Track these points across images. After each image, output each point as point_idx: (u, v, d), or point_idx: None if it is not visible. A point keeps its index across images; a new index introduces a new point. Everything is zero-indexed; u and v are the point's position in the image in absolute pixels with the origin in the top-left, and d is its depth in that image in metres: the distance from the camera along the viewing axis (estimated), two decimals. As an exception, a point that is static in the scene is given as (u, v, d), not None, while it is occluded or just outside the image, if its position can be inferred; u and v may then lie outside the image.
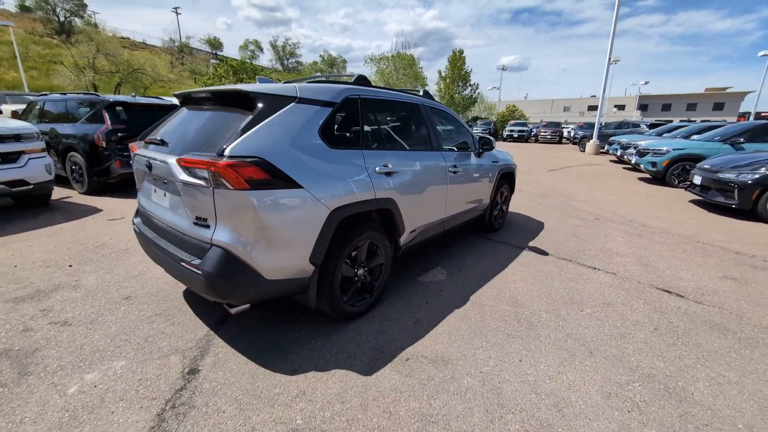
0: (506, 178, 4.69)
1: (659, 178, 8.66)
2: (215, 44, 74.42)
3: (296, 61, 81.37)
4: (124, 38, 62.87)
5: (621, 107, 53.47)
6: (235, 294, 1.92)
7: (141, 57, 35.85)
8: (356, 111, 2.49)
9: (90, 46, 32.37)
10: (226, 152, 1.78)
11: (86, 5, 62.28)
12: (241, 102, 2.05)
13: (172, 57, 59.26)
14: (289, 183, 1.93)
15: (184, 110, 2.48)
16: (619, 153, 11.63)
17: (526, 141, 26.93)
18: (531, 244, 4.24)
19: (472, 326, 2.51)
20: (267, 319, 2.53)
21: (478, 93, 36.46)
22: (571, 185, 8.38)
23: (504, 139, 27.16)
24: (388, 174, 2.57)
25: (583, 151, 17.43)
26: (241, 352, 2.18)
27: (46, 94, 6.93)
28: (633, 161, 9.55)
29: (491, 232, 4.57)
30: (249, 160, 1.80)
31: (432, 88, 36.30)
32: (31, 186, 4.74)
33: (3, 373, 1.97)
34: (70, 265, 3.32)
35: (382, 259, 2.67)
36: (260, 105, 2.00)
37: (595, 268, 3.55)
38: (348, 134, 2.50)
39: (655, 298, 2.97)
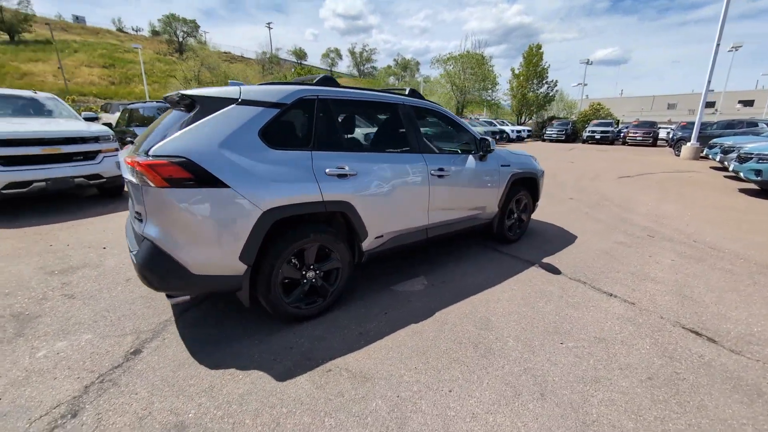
0: (524, 185, 4.20)
1: (767, 189, 6.92)
2: (300, 54, 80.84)
3: (372, 67, 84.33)
4: (225, 53, 71.96)
5: (748, 103, 44.03)
6: (163, 285, 2.04)
7: (236, 69, 40.71)
8: (312, 112, 2.46)
9: (196, 61, 37.80)
10: (150, 152, 1.90)
11: (199, 26, 72.55)
12: (187, 105, 2.18)
13: (263, 68, 65.84)
14: (214, 183, 1.99)
15: (168, 113, 2.73)
16: (718, 158, 9.60)
17: (611, 143, 23.84)
18: (545, 260, 3.72)
19: (419, 345, 2.29)
20: (225, 312, 2.65)
21: (557, 90, 33.35)
22: (639, 195, 7.16)
23: (584, 141, 24.42)
24: (343, 176, 2.49)
25: (678, 156, 14.77)
26: (184, 340, 2.31)
27: (132, 103, 8.32)
28: (731, 168, 7.79)
29: (504, 244, 4.14)
30: (171, 159, 1.90)
31: (505, 87, 34.38)
32: (105, 179, 5.69)
33: (5, 332, 2.39)
34: (104, 248, 3.89)
35: (338, 264, 2.59)
36: (198, 107, 2.10)
37: (611, 295, 2.97)
38: (298, 135, 2.48)
39: (672, 340, 2.36)
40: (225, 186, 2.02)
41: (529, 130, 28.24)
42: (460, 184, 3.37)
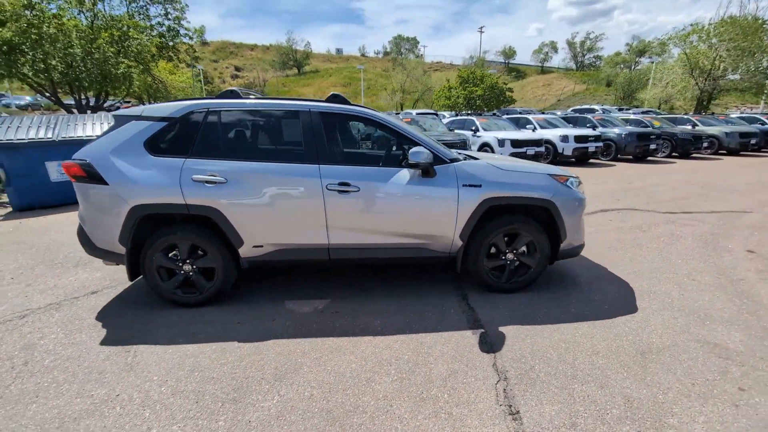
0: (527, 214, 2.92)
1: None
2: (509, 54, 78.11)
3: (595, 56, 71.46)
4: (436, 63, 78.48)
5: None
6: (88, 252, 2.85)
7: (435, 77, 43.97)
8: (198, 123, 2.72)
9: (403, 74, 43.32)
10: (73, 156, 2.71)
11: (418, 42, 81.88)
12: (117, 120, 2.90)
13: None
14: (100, 181, 2.62)
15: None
16: None
17: None
18: (511, 329, 2.52)
19: (212, 366, 2.21)
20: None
21: None
22: None
23: None
24: (212, 183, 2.64)
25: None
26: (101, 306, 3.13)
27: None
28: None
29: (492, 293, 3.05)
30: (78, 162, 2.65)
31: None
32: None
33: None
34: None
35: (212, 264, 2.78)
36: (113, 122, 2.78)
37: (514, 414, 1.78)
38: (180, 144, 2.77)
39: None
40: (106, 183, 2.62)
41: None
42: (380, 202, 2.77)
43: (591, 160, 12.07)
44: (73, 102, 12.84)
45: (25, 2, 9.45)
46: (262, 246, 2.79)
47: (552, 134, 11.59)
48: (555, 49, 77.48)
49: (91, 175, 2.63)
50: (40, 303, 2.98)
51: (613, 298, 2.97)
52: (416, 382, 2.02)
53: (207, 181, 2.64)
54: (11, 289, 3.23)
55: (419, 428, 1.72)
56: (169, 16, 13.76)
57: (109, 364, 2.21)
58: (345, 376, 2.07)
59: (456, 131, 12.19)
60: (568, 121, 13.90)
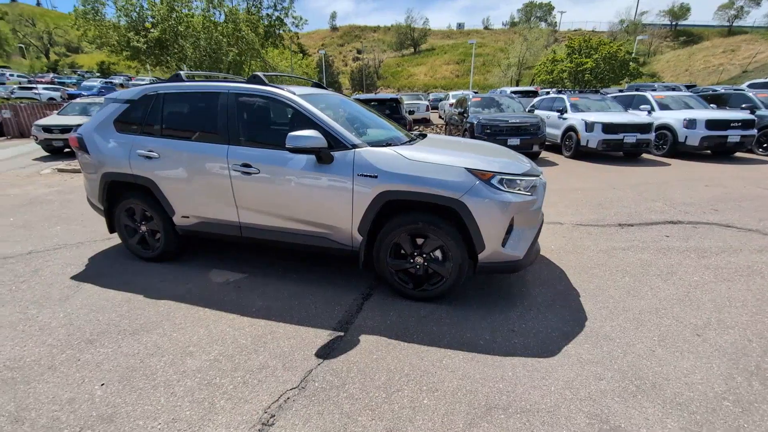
0: (435, 214, 2.45)
1: None
2: (678, 13, 61.47)
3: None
4: (574, 30, 67.65)
5: None
6: (89, 204, 3.66)
7: (558, 49, 38.04)
8: (148, 105, 3.12)
9: (522, 45, 38.81)
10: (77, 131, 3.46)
11: (553, 7, 71.85)
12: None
13: (614, 38, 56.40)
14: (86, 151, 3.30)
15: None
16: None
17: None
18: (372, 340, 2.24)
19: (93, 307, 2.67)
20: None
21: None
22: None
23: None
24: (148, 158, 3.04)
25: None
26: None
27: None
28: None
29: (402, 295, 2.75)
30: (75, 135, 3.38)
31: None
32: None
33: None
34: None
35: (157, 228, 3.26)
36: (103, 103, 3.42)
37: None
38: (134, 123, 3.18)
39: None
40: (89, 153, 3.29)
41: None
42: (278, 186, 2.72)
43: (737, 154, 8.92)
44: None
45: (168, 9, 12.02)
46: (188, 217, 3.10)
47: (674, 117, 8.93)
48: (758, 2, 57.21)
49: (82, 146, 3.33)
50: (69, 242, 3.98)
51: (541, 336, 2.31)
52: (221, 367, 2.04)
53: (146, 156, 3.05)
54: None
55: (174, 409, 1.76)
56: (277, 7, 15.54)
57: (55, 291, 2.87)
58: (175, 345, 2.23)
59: (538, 112, 10.57)
60: (715, 101, 10.44)
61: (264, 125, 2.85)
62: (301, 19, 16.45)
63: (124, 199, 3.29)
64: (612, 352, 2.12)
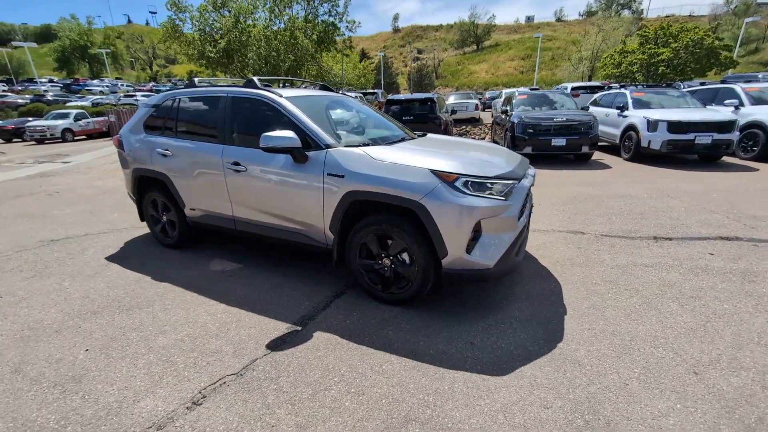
0: (399, 215, 2.39)
1: None
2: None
3: None
4: (666, 16, 59.81)
5: None
6: (128, 194, 4.23)
7: (630, 40, 33.83)
8: (168, 108, 3.51)
9: (597, 36, 35.26)
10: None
11: (640, -7, 64.31)
12: (148, 107, 4.04)
13: (716, 25, 48.80)
14: (123, 149, 3.83)
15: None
16: None
17: None
18: (326, 338, 2.27)
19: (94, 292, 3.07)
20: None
21: None
22: None
23: None
24: (164, 155, 3.42)
25: None
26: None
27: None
28: None
29: (372, 296, 2.75)
30: (117, 137, 3.93)
31: None
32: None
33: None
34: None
35: (173, 218, 3.65)
36: (139, 108, 3.92)
37: None
38: (157, 124, 3.56)
39: None
40: (124, 152, 3.80)
41: None
42: (262, 184, 2.88)
43: None
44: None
45: (233, 20, 13.29)
46: (195, 210, 3.43)
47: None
48: None
49: (120, 145, 3.87)
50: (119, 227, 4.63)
51: (499, 353, 2.13)
52: (182, 347, 2.23)
53: (162, 154, 3.44)
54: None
55: (129, 378, 1.98)
56: (332, 13, 16.20)
57: (89, 268, 3.38)
58: (155, 323, 2.49)
59: (596, 110, 9.57)
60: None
61: (252, 126, 3.03)
62: (354, 22, 16.98)
63: (149, 192, 3.74)
64: (574, 380, 1.89)
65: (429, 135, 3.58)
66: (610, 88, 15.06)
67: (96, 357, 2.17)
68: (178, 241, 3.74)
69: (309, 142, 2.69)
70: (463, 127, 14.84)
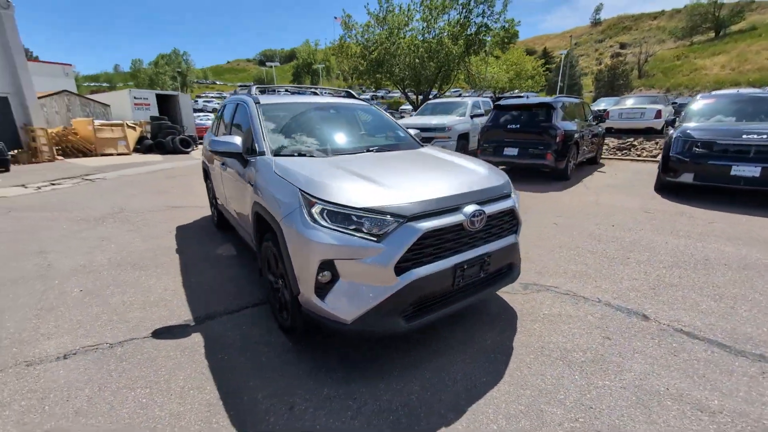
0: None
1: None
2: None
3: None
4: None
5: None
6: None
7: None
8: (221, 111, 4.21)
9: None
10: (208, 130, 5.08)
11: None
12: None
13: None
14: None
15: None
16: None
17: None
18: (215, 334, 2.29)
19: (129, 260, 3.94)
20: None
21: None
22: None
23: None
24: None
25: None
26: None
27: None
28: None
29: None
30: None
31: None
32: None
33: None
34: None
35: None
36: (218, 113, 4.86)
37: None
38: (218, 124, 4.27)
39: None
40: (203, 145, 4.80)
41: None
42: (231, 183, 3.14)
43: None
44: (420, 95, 17.96)
45: (388, 33, 14.38)
46: (218, 200, 4.03)
47: None
48: None
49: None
50: (213, 204, 5.88)
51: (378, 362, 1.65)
52: (116, 306, 2.69)
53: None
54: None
55: (72, 322, 2.55)
56: (485, 14, 15.19)
57: (158, 231, 4.46)
58: (134, 281, 3.08)
59: None
60: None
61: (237, 128, 3.29)
62: (513, 21, 15.55)
63: (207, 180, 4.62)
64: None
65: (424, 147, 3.06)
66: None
67: (78, 295, 2.88)
68: (216, 223, 4.48)
69: (256, 147, 2.72)
70: (630, 139, 11.50)
